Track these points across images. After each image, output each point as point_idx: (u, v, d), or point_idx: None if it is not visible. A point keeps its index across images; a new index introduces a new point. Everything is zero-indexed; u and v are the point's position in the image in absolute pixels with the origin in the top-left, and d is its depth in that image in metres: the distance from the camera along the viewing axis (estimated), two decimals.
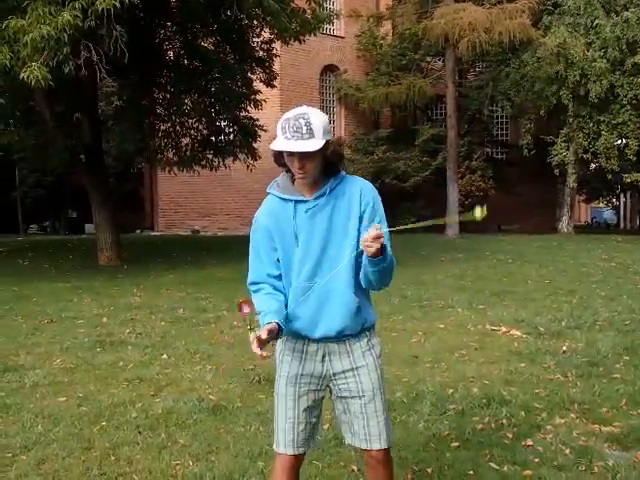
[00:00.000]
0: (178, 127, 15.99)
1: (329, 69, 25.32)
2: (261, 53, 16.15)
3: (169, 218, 25.82)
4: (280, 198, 2.70)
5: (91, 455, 4.13)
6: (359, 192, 2.65)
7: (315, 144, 2.49)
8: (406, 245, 16.82)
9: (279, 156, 2.62)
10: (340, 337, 2.69)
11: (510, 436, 4.33)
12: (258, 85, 16.50)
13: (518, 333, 7.31)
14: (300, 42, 13.81)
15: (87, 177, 14.54)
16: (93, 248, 15.21)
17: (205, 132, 15.97)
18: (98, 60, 9.30)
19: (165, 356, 6.51)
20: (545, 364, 6.03)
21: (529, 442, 4.23)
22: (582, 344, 6.75)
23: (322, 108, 25.00)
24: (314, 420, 2.80)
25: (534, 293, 10.03)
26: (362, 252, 2.51)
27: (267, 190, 2.76)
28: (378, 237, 2.38)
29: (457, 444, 4.21)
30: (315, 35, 14.02)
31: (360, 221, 2.64)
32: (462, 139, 23.54)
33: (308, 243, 2.65)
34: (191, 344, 6.98)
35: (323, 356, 2.72)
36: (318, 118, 2.53)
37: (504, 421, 4.58)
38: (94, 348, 6.91)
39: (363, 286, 2.68)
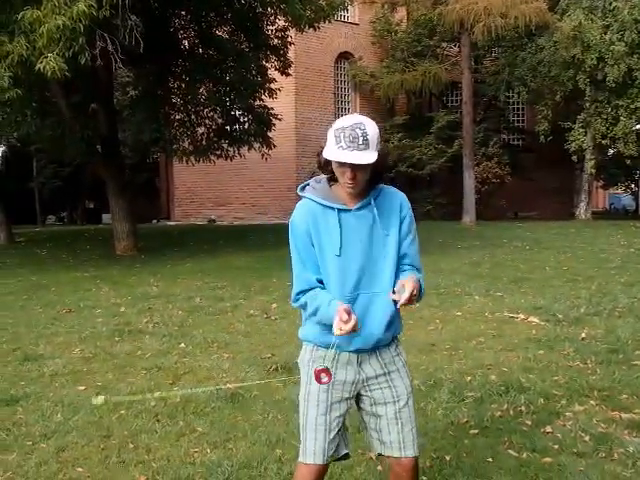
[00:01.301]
0: (193, 116, 16.00)
1: (344, 56, 25.20)
2: (276, 41, 16.10)
3: (185, 208, 25.90)
4: (320, 204, 2.61)
5: (110, 443, 4.15)
6: (399, 205, 2.65)
7: (371, 156, 2.43)
8: (423, 232, 16.76)
9: (326, 164, 2.57)
10: (374, 348, 2.68)
11: (529, 423, 4.30)
12: (273, 73, 16.46)
13: (536, 320, 7.26)
14: (315, 29, 13.73)
15: (103, 167, 14.60)
16: (110, 238, 15.31)
17: (220, 121, 15.96)
18: (114, 50, 9.30)
19: (183, 345, 6.54)
20: (564, 351, 5.98)
21: (548, 429, 4.20)
22: (601, 331, 6.70)
23: (337, 95, 24.98)
24: (342, 428, 2.73)
25: (552, 280, 9.95)
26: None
27: (301, 193, 2.69)
28: (412, 297, 2.45)
29: (476, 431, 4.19)
30: (329, 22, 13.94)
31: (399, 233, 2.64)
32: (478, 126, 23.38)
33: (350, 253, 2.58)
34: (208, 333, 7.00)
35: (355, 363, 2.67)
36: (373, 129, 2.46)
37: (523, 408, 4.55)
38: (112, 337, 6.95)
39: None
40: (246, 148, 16.11)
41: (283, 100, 21.07)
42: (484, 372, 5.39)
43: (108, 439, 4.22)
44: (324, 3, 12.64)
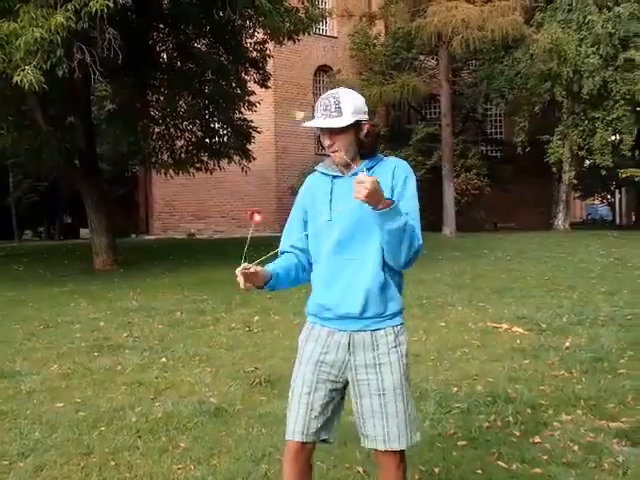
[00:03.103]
0: (172, 129, 15.91)
1: (322, 69, 25.28)
2: (255, 54, 16.09)
3: (164, 221, 25.71)
4: (322, 173, 2.74)
5: (90, 461, 4.03)
6: (392, 169, 2.65)
7: (341, 121, 2.53)
8: None
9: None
10: (365, 318, 2.60)
11: (517, 434, 4.25)
12: (252, 86, 16.43)
13: (520, 330, 7.24)
14: (294, 41, 13.73)
15: (81, 181, 14.44)
16: (88, 252, 15.11)
17: (199, 134, 15.89)
18: (92, 62, 9.19)
19: (164, 359, 6.42)
20: (549, 360, 5.96)
21: (537, 439, 4.15)
22: (585, 339, 6.69)
23: None
24: (329, 414, 2.70)
25: (534, 289, 9.96)
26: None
27: (315, 168, 2.82)
28: (361, 182, 2.34)
29: (464, 443, 4.13)
30: (309, 34, 13.96)
31: (392, 196, 2.61)
32: (457, 137, 23.49)
33: (342, 218, 2.63)
34: (190, 347, 6.89)
35: (347, 346, 2.64)
36: (349, 98, 2.58)
37: (510, 419, 4.50)
38: (91, 353, 6.81)
39: (388, 262, 2.62)
40: (226, 161, 16.03)
41: (263, 113, 21.02)
42: (470, 383, 5.35)
43: (88, 457, 4.10)
44: (303, 15, 12.65)
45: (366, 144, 2.63)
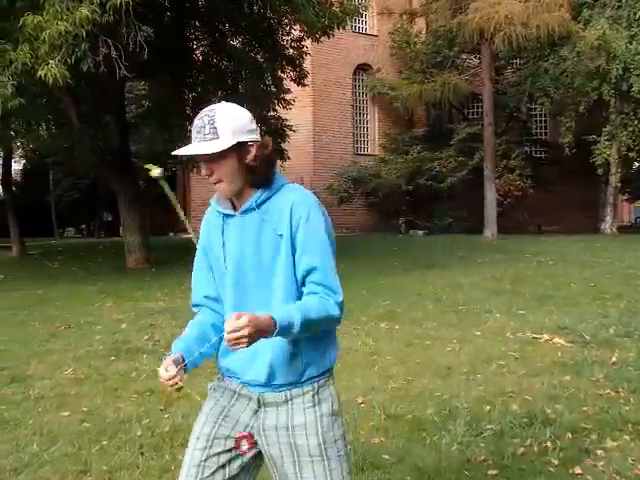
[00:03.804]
0: None
1: (362, 68, 24.91)
2: (291, 51, 15.80)
3: (201, 220, 25.58)
4: (217, 210, 2.23)
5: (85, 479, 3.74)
6: (290, 206, 2.10)
7: (217, 144, 2.03)
8: (443, 246, 16.31)
9: None
10: (274, 385, 2.14)
11: (555, 462, 3.82)
12: (289, 84, 16.14)
13: (562, 342, 6.75)
14: (328, 36, 13.38)
15: (114, 179, 14.31)
16: (123, 251, 14.98)
17: None
18: (117, 56, 8.98)
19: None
20: (593, 377, 5.48)
21: (577, 470, 3.72)
22: (633, 354, 6.17)
23: (355, 107, 24.60)
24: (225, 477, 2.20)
25: (578, 297, 9.40)
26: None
27: (210, 200, 2.30)
28: (234, 331, 1.84)
29: (495, 472, 3.72)
30: (344, 29, 13.61)
31: (294, 245, 2.09)
32: (499, 138, 22.82)
33: (235, 268, 2.15)
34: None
35: (258, 405, 2.17)
36: (227, 115, 2.07)
37: (548, 444, 4.06)
38: (108, 356, 6.56)
39: None
40: None
41: (300, 111, 20.77)
42: (505, 400, 4.91)
43: (84, 475, 3.80)
44: (338, 10, 12.29)
45: (256, 170, 2.11)
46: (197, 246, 2.31)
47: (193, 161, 16.63)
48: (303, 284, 2.10)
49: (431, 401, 4.94)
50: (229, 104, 2.12)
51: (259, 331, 1.88)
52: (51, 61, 8.33)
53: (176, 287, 11.16)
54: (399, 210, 23.29)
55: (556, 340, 6.81)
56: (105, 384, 5.63)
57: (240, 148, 2.06)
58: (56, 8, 8.21)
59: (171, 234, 26.87)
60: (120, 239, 22.59)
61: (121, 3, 8.05)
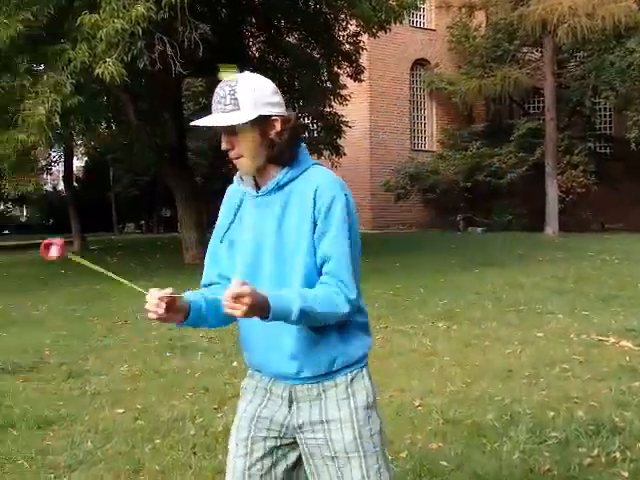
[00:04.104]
0: None
1: (419, 63, 24.60)
2: (347, 47, 15.69)
3: None
4: (238, 189, 2.12)
5: (138, 479, 3.70)
6: (314, 191, 1.96)
7: (238, 116, 1.90)
8: (502, 244, 15.94)
9: None
10: (304, 378, 2.03)
11: (625, 475, 3.60)
12: (345, 80, 16.04)
13: (630, 345, 6.44)
14: (385, 31, 13.21)
15: (172, 176, 14.45)
16: (181, 247, 15.13)
17: None
18: (173, 54, 9.01)
19: (235, 363, 6.05)
20: None
21: None
22: None
23: (412, 103, 24.32)
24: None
25: None
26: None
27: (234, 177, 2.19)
28: (238, 296, 1.74)
29: None
30: (401, 23, 13.41)
31: (314, 231, 1.96)
32: (562, 133, 22.20)
33: (254, 251, 2.03)
34: None
35: (290, 401, 2.06)
36: (249, 85, 1.93)
37: (617, 454, 3.84)
38: (163, 353, 6.57)
39: None
40: (315, 156, 15.72)
41: (357, 107, 20.63)
42: (570, 407, 4.69)
43: (137, 474, 3.77)
44: (395, 4, 12.11)
45: (280, 146, 1.97)
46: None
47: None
48: (320, 273, 1.98)
49: (491, 405, 4.76)
50: (253, 74, 1.99)
51: (257, 307, 1.77)
52: (108, 59, 8.42)
53: None
54: (457, 207, 22.92)
55: (623, 343, 6.51)
56: (160, 381, 5.63)
57: (263, 122, 1.94)
58: (112, 6, 8.29)
59: None
60: (178, 235, 22.91)
61: (176, 0, 8.07)
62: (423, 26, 24.47)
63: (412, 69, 24.39)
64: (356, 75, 16.17)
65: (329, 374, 2.02)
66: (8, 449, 4.11)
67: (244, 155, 1.96)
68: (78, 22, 8.68)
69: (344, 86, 16.04)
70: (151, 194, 30.42)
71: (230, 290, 1.74)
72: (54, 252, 1.89)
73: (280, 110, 1.97)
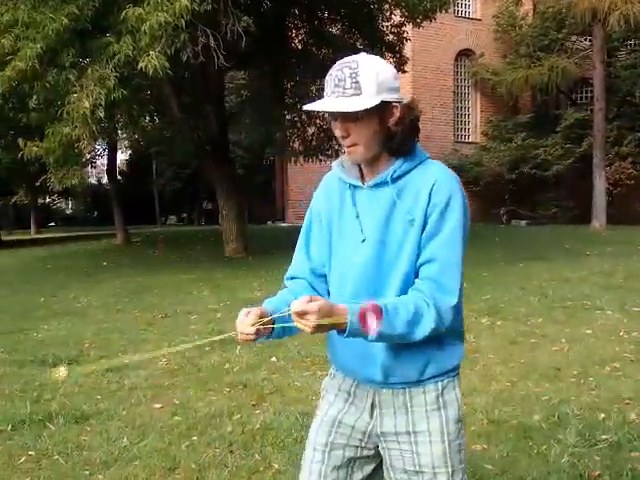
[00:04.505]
0: (304, 116, 15.61)
1: (464, 53, 24.20)
2: (391, 37, 15.47)
3: (298, 209, 25.68)
4: (340, 178, 1.95)
5: (174, 478, 3.63)
6: (430, 187, 1.80)
7: (360, 102, 1.74)
8: (548, 237, 15.59)
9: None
10: (391, 384, 1.90)
11: None
12: None
13: None
14: (430, 21, 12.96)
15: (213, 169, 14.45)
16: (222, 239, 15.15)
17: None
18: (216, 46, 8.95)
19: (274, 359, 5.99)
20: None
21: None
22: None
23: (456, 94, 23.95)
24: None
25: None
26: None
27: (332, 164, 2.04)
28: (303, 314, 1.63)
29: None
30: (446, 11, 13.12)
31: (422, 228, 1.80)
32: (610, 123, 21.63)
33: (355, 247, 1.87)
34: (304, 346, 6.41)
35: (372, 405, 1.93)
36: (372, 68, 1.77)
37: None
38: (202, 347, 6.51)
39: None
40: None
41: None
42: (621, 408, 4.48)
43: (172, 472, 3.70)
44: None
45: (397, 136, 1.82)
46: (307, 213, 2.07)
47: (286, 150, 16.63)
48: (417, 275, 1.83)
49: (538, 406, 4.58)
50: (372, 56, 1.84)
51: (329, 324, 1.65)
52: (152, 52, 8.39)
53: (273, 277, 11.12)
54: (501, 199, 22.53)
55: None
56: (198, 375, 5.58)
57: (383, 108, 1.79)
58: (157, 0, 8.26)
59: (269, 222, 27.15)
60: (219, 227, 23.02)
61: None
62: (468, 16, 24.06)
63: (456, 60, 24.02)
64: (399, 66, 15.93)
65: (419, 382, 1.89)
66: (45, 444, 4.08)
67: (359, 143, 1.82)
68: (122, 15, 8.67)
69: None
70: (193, 187, 30.67)
71: (295, 306, 1.65)
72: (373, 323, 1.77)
73: (399, 96, 1.83)
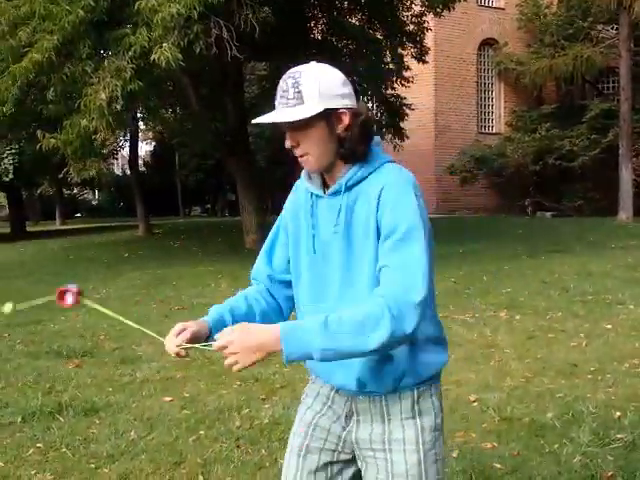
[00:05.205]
0: None
1: (487, 43, 23.92)
2: (412, 27, 15.31)
3: None
4: (306, 187, 1.91)
5: (179, 472, 3.61)
6: (378, 191, 1.74)
7: (301, 112, 1.71)
8: (572, 230, 15.37)
9: None
10: (367, 392, 1.84)
11: None
12: (409, 61, 15.69)
13: None
14: (449, 10, 12.80)
15: (232, 160, 14.42)
16: (242, 231, 15.15)
17: None
18: (229, 37, 8.90)
19: None
20: None
21: None
22: None
23: (479, 84, 23.70)
24: None
25: None
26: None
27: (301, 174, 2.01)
28: (222, 349, 1.62)
29: None
30: (466, 1, 12.93)
31: (378, 237, 1.73)
32: (637, 114, 21.23)
33: (319, 259, 1.86)
34: None
35: (350, 412, 1.88)
36: (314, 77, 1.73)
37: None
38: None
39: None
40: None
41: (422, 89, 20.24)
42: (638, 407, 4.37)
43: (178, 467, 3.68)
44: None
45: (349, 142, 1.77)
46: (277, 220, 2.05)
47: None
48: None
49: (552, 403, 4.49)
50: (319, 64, 1.79)
51: (255, 352, 1.62)
52: (164, 44, 8.36)
53: None
54: (525, 191, 22.27)
55: None
56: (210, 368, 5.56)
57: (330, 116, 1.74)
58: None
59: None
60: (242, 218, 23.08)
61: None
62: (491, 5, 23.76)
63: (479, 49, 23.76)
64: (420, 56, 15.80)
65: (395, 390, 1.83)
66: (53, 436, 4.09)
67: (310, 153, 1.78)
68: (136, 7, 8.65)
69: (408, 68, 15.68)
70: (216, 178, 30.70)
71: (218, 343, 1.63)
72: (70, 300, 1.84)
73: (349, 102, 1.77)
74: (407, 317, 1.62)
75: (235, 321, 1.86)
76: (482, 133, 23.68)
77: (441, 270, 9.67)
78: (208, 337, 1.83)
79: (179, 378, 5.32)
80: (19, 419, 4.41)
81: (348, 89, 1.78)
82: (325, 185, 1.87)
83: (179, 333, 1.80)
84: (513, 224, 17.29)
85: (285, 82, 1.74)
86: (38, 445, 4.00)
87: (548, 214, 21.05)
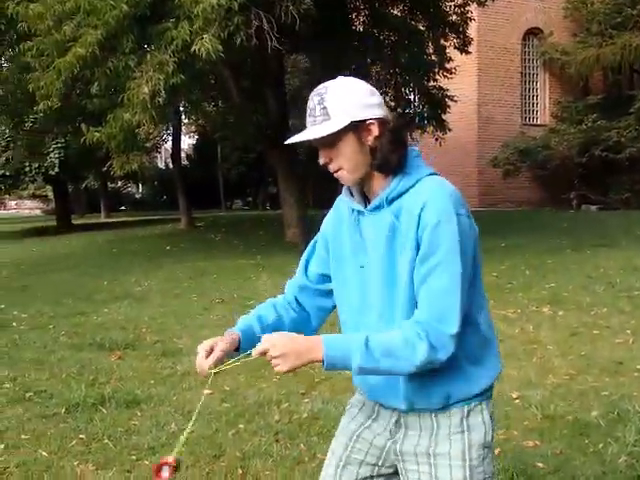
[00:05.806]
0: None
1: (532, 32, 23.47)
2: (454, 18, 15.12)
3: None
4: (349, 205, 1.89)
5: (218, 465, 3.64)
6: (420, 208, 1.70)
7: (328, 127, 1.71)
8: (618, 223, 15.03)
9: None
10: (416, 409, 1.81)
11: None
12: (452, 52, 15.51)
13: None
14: (493, 0, 12.58)
15: (274, 153, 14.45)
16: (284, 224, 15.18)
17: (392, 104, 15.25)
18: (269, 29, 8.90)
19: None
20: None
21: None
22: None
23: (524, 75, 23.32)
24: None
25: None
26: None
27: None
28: (263, 354, 1.70)
29: None
30: None
31: (416, 252, 1.71)
32: None
33: (361, 276, 1.84)
34: None
35: (397, 423, 1.85)
36: (338, 91, 1.73)
37: None
38: (257, 332, 6.52)
39: None
40: (418, 132, 15.31)
41: (465, 80, 19.98)
42: None
43: (217, 460, 3.71)
44: None
45: (380, 151, 1.74)
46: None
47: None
48: None
49: (597, 401, 4.39)
50: (344, 78, 1.79)
51: (297, 359, 1.68)
52: (205, 36, 8.40)
53: None
54: (570, 184, 21.85)
55: None
56: (251, 362, 5.56)
57: (357, 128, 1.73)
58: None
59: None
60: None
61: None
62: None
63: (524, 39, 23.32)
64: (463, 47, 15.60)
65: (445, 406, 1.81)
66: (96, 428, 4.16)
67: (343, 167, 1.78)
68: (178, 0, 8.70)
69: (451, 59, 15.51)
70: (258, 171, 30.79)
71: (260, 347, 1.71)
72: (166, 473, 1.81)
73: (377, 112, 1.76)
74: (443, 347, 1.66)
75: (264, 330, 1.87)
76: (526, 125, 23.29)
77: (483, 264, 9.56)
78: (237, 348, 1.86)
79: (219, 371, 5.34)
80: (63, 410, 4.49)
81: (375, 99, 1.77)
82: (366, 200, 1.85)
83: (209, 353, 1.82)
84: (557, 217, 17.00)
85: (312, 100, 1.75)
86: (81, 436, 4.06)
87: (594, 207, 20.63)
